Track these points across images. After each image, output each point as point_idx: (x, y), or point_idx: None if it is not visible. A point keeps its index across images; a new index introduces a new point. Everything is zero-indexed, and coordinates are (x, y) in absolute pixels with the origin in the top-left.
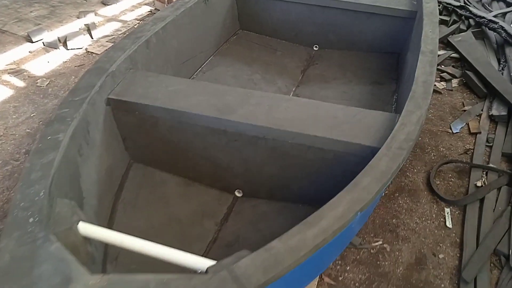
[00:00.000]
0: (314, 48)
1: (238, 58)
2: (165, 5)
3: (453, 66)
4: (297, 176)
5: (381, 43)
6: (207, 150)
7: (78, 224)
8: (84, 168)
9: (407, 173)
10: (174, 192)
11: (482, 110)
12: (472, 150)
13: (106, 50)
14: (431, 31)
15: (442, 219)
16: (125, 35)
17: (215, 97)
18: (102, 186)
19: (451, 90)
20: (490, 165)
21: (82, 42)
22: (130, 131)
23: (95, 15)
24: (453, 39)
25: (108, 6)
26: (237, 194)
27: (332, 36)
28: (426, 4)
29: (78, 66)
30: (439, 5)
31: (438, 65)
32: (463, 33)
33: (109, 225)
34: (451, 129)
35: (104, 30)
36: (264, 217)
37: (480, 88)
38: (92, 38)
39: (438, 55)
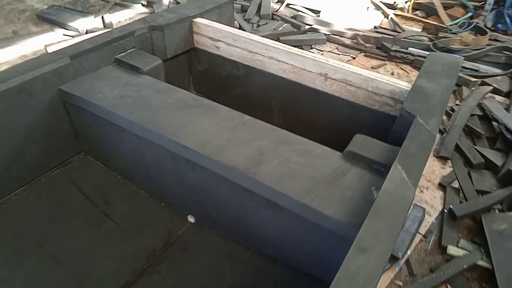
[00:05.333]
0: (189, 220)
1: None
2: None
3: None
4: None
5: (299, 260)
6: None
7: None
8: None
9: None
10: None
11: None
12: None
13: None
14: None
15: None
16: None
17: None
18: None
19: None
20: None
21: None
22: None
23: None
24: (491, 223)
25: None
26: None
27: (212, 211)
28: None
29: None
30: (497, 124)
31: (443, 283)
32: None
33: None
34: None
35: None
36: None
37: None
38: None
39: (452, 257)
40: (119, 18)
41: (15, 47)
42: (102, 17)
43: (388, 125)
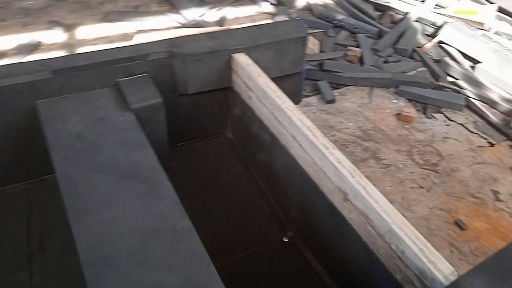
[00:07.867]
0: None
1: None
2: None
3: None
4: None
5: None
6: None
7: None
8: None
9: None
10: None
11: None
12: None
13: None
14: None
15: None
16: None
17: None
18: None
19: None
20: None
21: None
22: None
23: None
24: None
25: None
26: None
27: None
28: None
29: None
30: None
31: None
32: None
33: None
34: None
35: None
36: None
37: None
38: None
39: None
40: (239, 13)
41: (119, 24)
42: (219, 10)
43: None
